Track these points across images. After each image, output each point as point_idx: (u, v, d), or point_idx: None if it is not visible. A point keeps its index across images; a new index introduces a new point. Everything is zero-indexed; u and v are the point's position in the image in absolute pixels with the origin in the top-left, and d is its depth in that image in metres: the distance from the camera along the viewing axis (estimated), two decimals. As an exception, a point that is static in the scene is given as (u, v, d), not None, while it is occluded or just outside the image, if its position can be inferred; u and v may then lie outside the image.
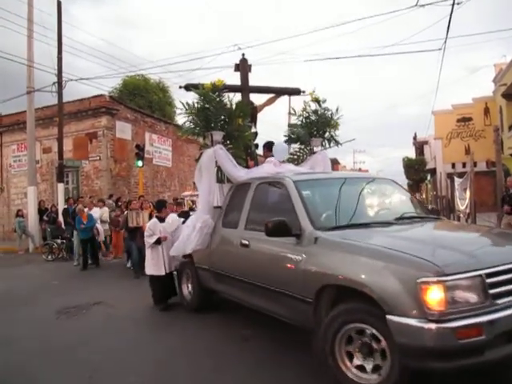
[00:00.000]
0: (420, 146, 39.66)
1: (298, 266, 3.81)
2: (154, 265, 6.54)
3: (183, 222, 6.54)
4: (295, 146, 7.22)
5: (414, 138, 40.84)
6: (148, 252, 6.66)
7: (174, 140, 21.17)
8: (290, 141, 7.10)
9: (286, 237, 3.97)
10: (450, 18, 11.17)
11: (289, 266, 3.96)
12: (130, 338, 5.33)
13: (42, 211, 15.78)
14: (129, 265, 10.50)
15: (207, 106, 5.88)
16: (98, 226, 12.06)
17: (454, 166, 25.52)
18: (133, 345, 5.08)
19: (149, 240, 6.51)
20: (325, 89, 7.62)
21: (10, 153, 19.78)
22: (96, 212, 12.23)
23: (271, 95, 7.67)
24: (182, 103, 6.06)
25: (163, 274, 6.49)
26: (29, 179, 16.31)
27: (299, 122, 7.06)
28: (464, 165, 23.43)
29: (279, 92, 7.76)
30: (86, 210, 11.80)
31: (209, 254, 5.69)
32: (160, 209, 7.16)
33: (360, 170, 50.83)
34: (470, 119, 26.69)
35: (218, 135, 5.91)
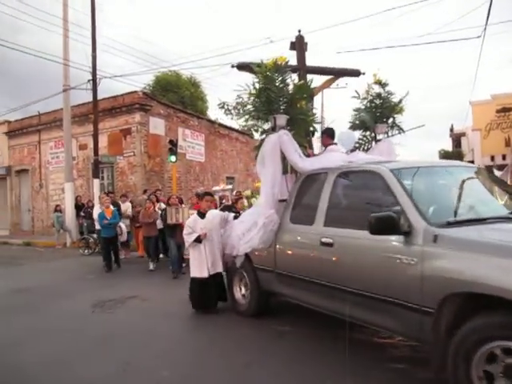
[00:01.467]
0: (457, 138, 38.42)
1: (412, 269, 3.24)
2: (196, 266, 5.97)
3: (235, 218, 6.06)
4: (357, 133, 6.60)
5: (451, 129, 39.67)
6: (190, 252, 6.13)
7: (206, 135, 21.08)
8: (353, 127, 6.51)
9: (393, 235, 3.39)
10: (491, 3, 10.71)
11: (397, 269, 3.37)
12: (164, 333, 5.32)
13: (78, 206, 16.01)
14: (151, 267, 10.02)
15: (269, 86, 5.24)
16: (122, 224, 11.33)
17: (493, 158, 24.48)
18: (166, 339, 5.08)
19: (188, 238, 5.96)
20: (361, 80, 7.16)
21: (48, 150, 20.21)
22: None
23: (328, 77, 7.10)
24: (241, 85, 5.48)
25: (206, 276, 5.87)
26: (66, 175, 16.60)
27: (362, 107, 6.46)
28: (504, 157, 22.52)
29: (338, 73, 7.18)
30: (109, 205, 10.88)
31: (273, 253, 5.09)
32: (201, 199, 6.58)
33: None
34: (510, 109, 25.66)
35: (281, 119, 5.29)
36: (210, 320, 5.76)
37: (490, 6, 10.72)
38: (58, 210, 15.96)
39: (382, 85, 6.40)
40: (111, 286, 8.32)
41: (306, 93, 5.59)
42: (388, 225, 3.32)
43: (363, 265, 3.81)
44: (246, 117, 5.59)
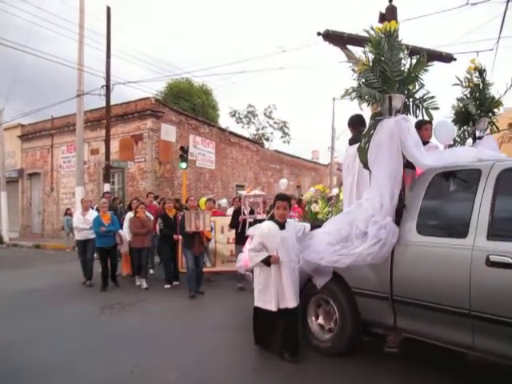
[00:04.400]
0: (468, 151, 38.28)
1: None
2: (260, 293, 4.56)
3: (314, 228, 4.73)
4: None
5: (462, 142, 39.47)
6: (256, 272, 4.64)
7: (217, 142, 21.18)
8: (456, 120, 5.61)
9: None
10: (504, 16, 10.65)
11: None
12: (173, 337, 5.34)
13: (88, 211, 16.15)
14: (145, 285, 8.47)
15: (383, 57, 4.10)
16: (122, 232, 8.97)
17: (505, 172, 24.29)
18: (175, 343, 5.09)
19: (254, 257, 4.48)
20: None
21: (60, 154, 20.41)
22: (92, 215, 9.01)
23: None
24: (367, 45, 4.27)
25: (273, 310, 4.41)
26: (77, 179, 16.65)
27: (464, 97, 5.58)
28: (516, 171, 22.38)
29: (430, 56, 6.04)
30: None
31: (388, 273, 3.93)
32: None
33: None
34: (523, 123, 25.47)
35: (398, 100, 4.10)
36: (222, 325, 5.74)
37: (504, 20, 10.68)
38: (68, 213, 16.09)
39: (481, 72, 5.52)
40: (119, 291, 8.37)
41: (422, 71, 4.34)
42: None
43: None
44: (354, 94, 4.24)
